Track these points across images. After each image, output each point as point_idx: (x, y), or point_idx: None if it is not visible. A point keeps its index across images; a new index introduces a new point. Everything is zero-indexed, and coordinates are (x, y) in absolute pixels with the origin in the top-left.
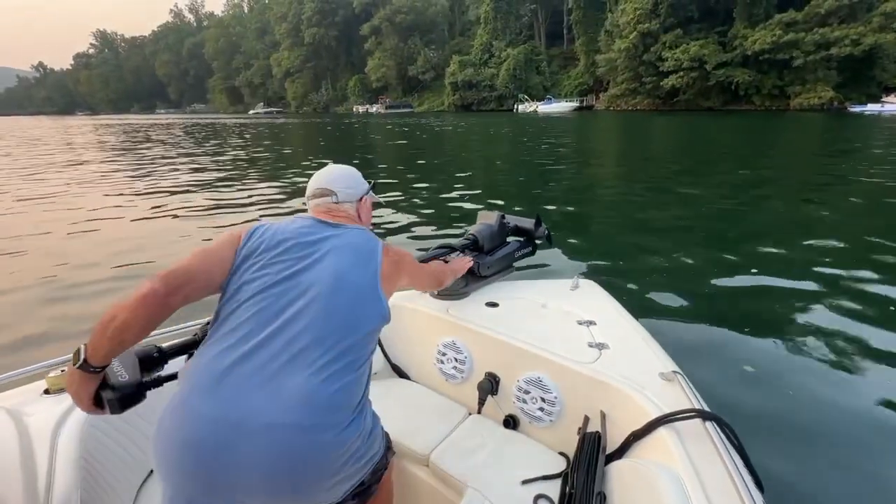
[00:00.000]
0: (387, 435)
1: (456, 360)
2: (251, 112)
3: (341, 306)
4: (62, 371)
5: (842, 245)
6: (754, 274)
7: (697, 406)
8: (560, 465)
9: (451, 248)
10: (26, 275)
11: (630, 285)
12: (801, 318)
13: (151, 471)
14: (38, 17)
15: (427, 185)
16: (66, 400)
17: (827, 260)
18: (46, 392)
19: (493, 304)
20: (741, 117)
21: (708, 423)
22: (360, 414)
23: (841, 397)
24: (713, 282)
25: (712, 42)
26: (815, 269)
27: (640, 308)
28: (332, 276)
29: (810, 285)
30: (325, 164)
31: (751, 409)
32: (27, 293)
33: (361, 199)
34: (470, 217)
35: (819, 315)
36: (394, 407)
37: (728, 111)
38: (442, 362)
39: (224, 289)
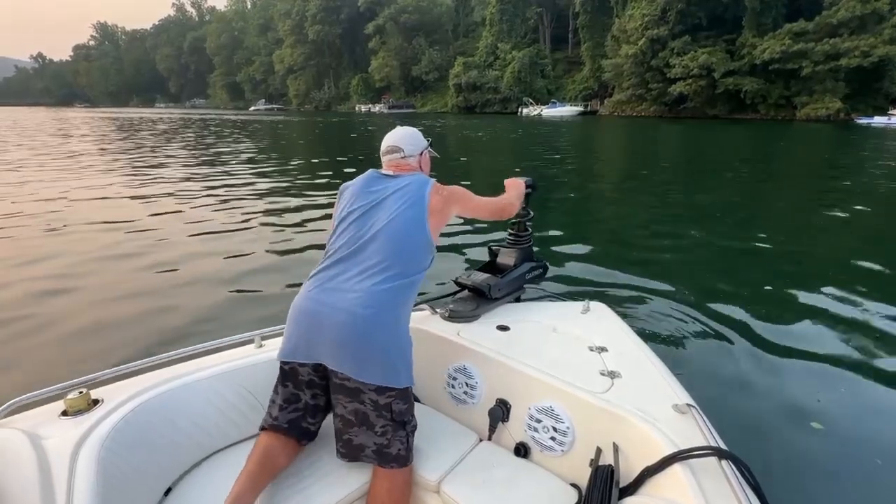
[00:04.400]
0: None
1: (467, 384)
2: (252, 108)
3: (395, 234)
4: (80, 393)
5: (878, 267)
6: (773, 299)
7: (713, 442)
8: (572, 498)
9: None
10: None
11: (639, 308)
12: (828, 348)
13: (168, 491)
14: (39, 7)
15: None
16: (83, 423)
17: (861, 287)
18: (64, 414)
19: (504, 328)
20: (748, 126)
21: (724, 462)
22: (400, 314)
23: (871, 436)
24: (727, 307)
25: (720, 50)
26: (845, 293)
27: (650, 333)
28: (388, 213)
29: (838, 309)
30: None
31: (768, 445)
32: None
33: (422, 153)
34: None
35: (847, 344)
36: None
37: (734, 120)
38: (452, 386)
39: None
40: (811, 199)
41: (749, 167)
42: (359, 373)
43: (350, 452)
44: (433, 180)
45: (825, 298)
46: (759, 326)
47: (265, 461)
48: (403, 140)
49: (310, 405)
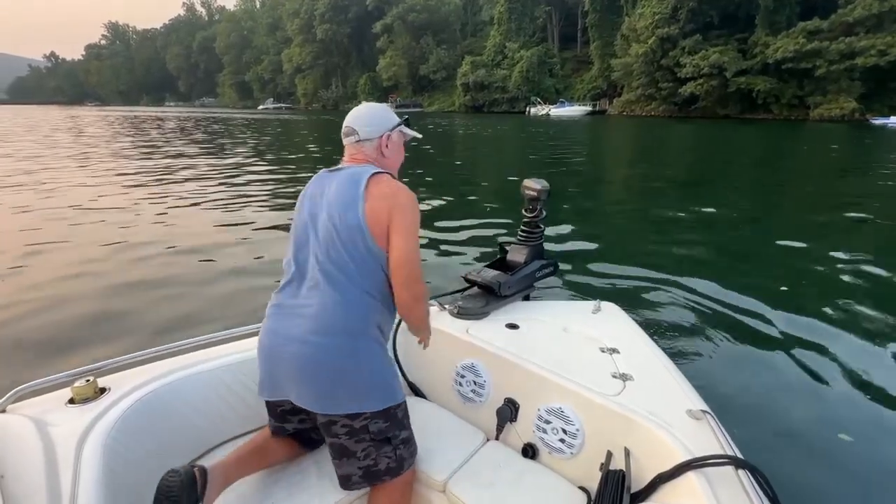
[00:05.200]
0: (412, 447)
1: (475, 382)
2: (260, 107)
3: (333, 245)
4: (87, 381)
5: None
6: (792, 304)
7: (729, 450)
8: (581, 501)
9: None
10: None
11: (651, 309)
12: (852, 355)
13: None
14: (52, 6)
15: (426, 204)
16: (90, 410)
17: (889, 292)
18: (71, 402)
19: (513, 326)
20: (761, 127)
21: (740, 471)
22: (359, 334)
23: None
24: (742, 311)
25: (732, 49)
26: (870, 298)
27: (662, 336)
28: (325, 220)
29: (863, 317)
30: None
31: (787, 456)
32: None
33: (384, 136)
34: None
35: (875, 352)
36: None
37: (745, 120)
38: (460, 384)
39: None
40: (830, 200)
41: (764, 167)
42: (322, 406)
43: (343, 483)
44: (375, 170)
45: (848, 304)
46: (777, 332)
47: (261, 449)
48: (359, 119)
49: (302, 428)
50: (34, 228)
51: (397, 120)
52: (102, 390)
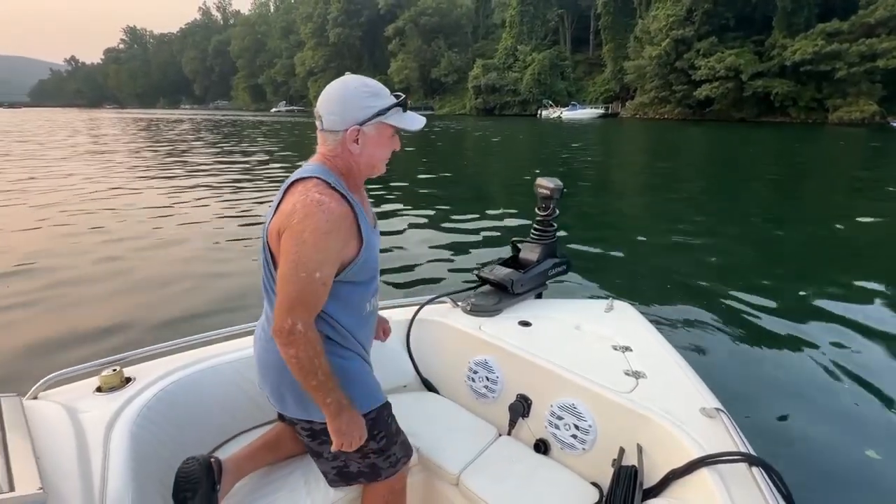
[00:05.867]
0: (404, 443)
1: (487, 378)
2: (273, 110)
3: (265, 256)
4: (113, 370)
5: None
6: (807, 307)
7: (743, 448)
8: (592, 496)
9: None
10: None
11: (664, 308)
12: (865, 357)
13: None
14: (73, 11)
15: (440, 203)
16: (117, 399)
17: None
18: (98, 390)
19: (525, 324)
20: (779, 130)
21: (754, 469)
22: None
23: None
24: (755, 312)
25: (748, 51)
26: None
27: (675, 334)
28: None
29: (886, 323)
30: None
31: (802, 457)
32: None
33: (349, 129)
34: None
35: (888, 354)
36: (423, 421)
37: (762, 123)
38: (473, 380)
39: None
40: (851, 202)
41: (782, 170)
42: (277, 405)
43: (326, 478)
44: (304, 175)
45: (867, 307)
46: (793, 333)
47: (272, 443)
48: (326, 102)
49: None
50: (97, 226)
51: (377, 108)
52: (128, 380)
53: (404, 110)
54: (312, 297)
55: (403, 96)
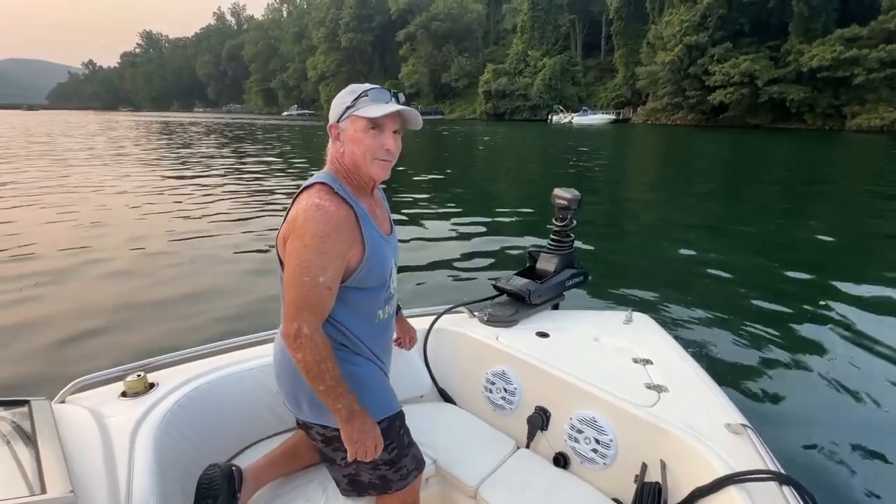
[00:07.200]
0: (416, 456)
1: (505, 390)
2: (284, 113)
3: (278, 264)
4: (138, 376)
5: None
6: (837, 318)
7: (772, 466)
8: None
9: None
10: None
11: (684, 321)
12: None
13: None
14: (91, 15)
15: (454, 211)
16: (141, 404)
17: None
18: (123, 395)
19: (543, 335)
20: (795, 137)
21: (785, 488)
22: None
23: None
24: (779, 325)
25: (764, 57)
26: None
27: (696, 347)
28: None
29: None
30: None
31: (834, 477)
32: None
33: (331, 125)
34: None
35: None
36: (440, 432)
37: (777, 129)
38: (490, 391)
39: None
40: (872, 213)
41: (802, 179)
42: (292, 408)
43: (338, 486)
44: (313, 182)
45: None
46: (820, 350)
47: (291, 453)
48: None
49: None
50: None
51: (347, 103)
52: (151, 385)
53: (398, 102)
54: (317, 302)
55: (376, 86)
